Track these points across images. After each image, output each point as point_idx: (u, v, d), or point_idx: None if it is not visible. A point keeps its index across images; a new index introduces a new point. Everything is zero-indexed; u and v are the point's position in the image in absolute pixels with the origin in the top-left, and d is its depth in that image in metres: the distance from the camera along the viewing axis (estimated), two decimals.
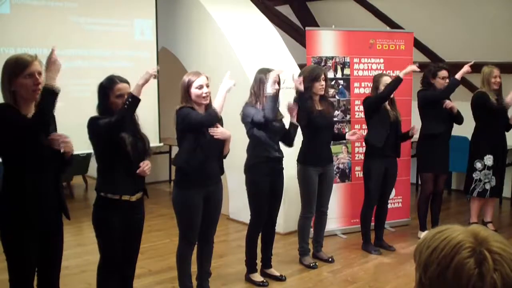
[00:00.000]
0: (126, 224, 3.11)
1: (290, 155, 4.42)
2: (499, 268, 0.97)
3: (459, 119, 5.06)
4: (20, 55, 2.74)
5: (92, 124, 3.02)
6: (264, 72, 3.96)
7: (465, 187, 5.43)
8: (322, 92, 4.32)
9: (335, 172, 5.15)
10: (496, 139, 5.18)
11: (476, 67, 5.24)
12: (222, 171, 3.69)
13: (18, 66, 2.63)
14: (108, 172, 3.08)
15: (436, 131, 4.99)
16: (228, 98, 4.86)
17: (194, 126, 3.39)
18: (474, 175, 5.26)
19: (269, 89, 3.83)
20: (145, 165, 3.08)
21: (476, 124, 5.26)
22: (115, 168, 3.04)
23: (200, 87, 3.41)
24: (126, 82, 3.09)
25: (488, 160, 5.17)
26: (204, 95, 3.43)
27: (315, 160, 4.33)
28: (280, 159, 4.08)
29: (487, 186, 5.22)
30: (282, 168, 4.12)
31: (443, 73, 4.99)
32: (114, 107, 3.02)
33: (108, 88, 3.03)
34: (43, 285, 2.89)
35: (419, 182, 5.81)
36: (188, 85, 3.43)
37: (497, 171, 5.19)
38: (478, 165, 5.22)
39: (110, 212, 3.06)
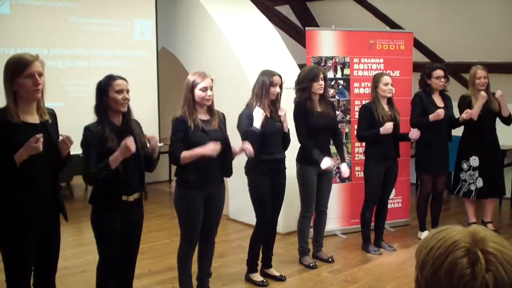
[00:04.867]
0: (125, 225, 3.11)
1: (289, 155, 4.42)
2: (492, 269, 0.97)
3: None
4: (22, 54, 2.73)
5: (82, 145, 3.02)
6: (267, 74, 3.96)
7: (452, 186, 5.45)
8: (321, 91, 4.31)
9: (335, 173, 5.15)
10: (483, 140, 5.13)
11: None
12: (227, 173, 3.67)
13: (19, 66, 2.63)
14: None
15: (426, 139, 4.99)
16: (229, 98, 4.88)
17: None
18: (461, 175, 5.27)
19: (256, 123, 3.85)
20: (154, 140, 3.13)
21: (464, 125, 5.26)
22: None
23: (205, 89, 3.42)
24: (124, 79, 3.09)
25: (473, 161, 5.17)
26: (207, 97, 3.44)
27: (313, 160, 4.33)
28: (281, 159, 4.07)
29: (472, 187, 5.21)
30: (284, 168, 4.12)
31: (438, 72, 4.98)
32: (114, 103, 3.01)
33: (107, 84, 3.02)
34: (39, 285, 2.88)
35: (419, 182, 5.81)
36: (193, 86, 3.44)
37: (484, 173, 5.15)
38: (464, 165, 5.23)
39: (108, 212, 3.06)
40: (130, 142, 2.90)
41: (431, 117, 4.87)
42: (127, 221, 3.11)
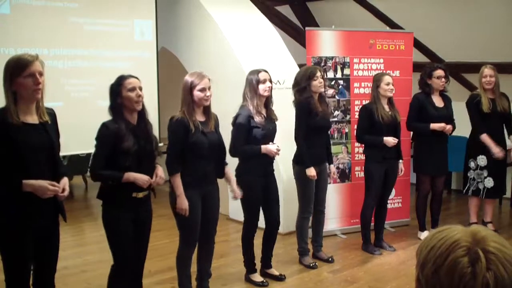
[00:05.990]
0: (136, 221, 3.13)
1: (289, 156, 4.42)
2: (492, 268, 0.97)
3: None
4: (21, 55, 2.73)
5: (96, 140, 3.06)
6: (253, 73, 3.95)
7: (463, 186, 5.47)
8: (322, 89, 4.32)
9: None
10: (493, 139, 5.10)
11: (476, 67, 5.24)
12: (220, 175, 3.68)
13: (19, 66, 2.63)
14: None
15: (425, 140, 5.03)
16: (229, 98, 4.88)
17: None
18: (468, 174, 5.28)
19: (263, 149, 3.89)
20: (158, 178, 3.18)
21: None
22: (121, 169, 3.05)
23: (203, 90, 3.42)
24: (136, 77, 3.12)
25: (481, 160, 5.17)
26: (206, 98, 3.45)
27: (310, 160, 4.31)
28: (270, 162, 4.07)
29: (480, 186, 5.22)
30: (273, 170, 4.12)
31: (438, 72, 4.98)
32: (128, 102, 3.03)
33: (119, 84, 3.05)
34: (38, 285, 2.88)
35: None
36: (192, 87, 3.44)
37: (494, 172, 5.16)
38: (472, 164, 5.24)
39: (119, 209, 3.07)
40: (147, 181, 3.06)
41: (434, 126, 4.90)
42: (136, 219, 3.14)
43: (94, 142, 3.08)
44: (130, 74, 3.11)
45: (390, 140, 4.63)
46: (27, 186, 2.62)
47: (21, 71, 2.62)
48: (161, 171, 3.23)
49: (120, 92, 3.03)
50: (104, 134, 3.02)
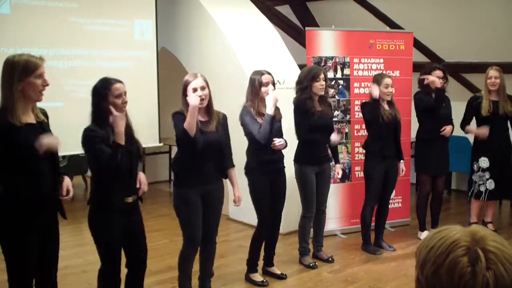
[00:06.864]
0: (127, 226, 3.11)
1: (289, 155, 4.42)
2: (492, 267, 0.97)
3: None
4: (27, 55, 2.75)
5: (87, 142, 2.97)
6: (256, 74, 3.95)
7: (467, 188, 5.47)
8: (323, 92, 4.31)
9: (333, 173, 5.16)
10: (492, 142, 5.12)
11: (476, 67, 5.24)
12: (222, 173, 3.66)
13: (30, 66, 2.65)
14: (101, 180, 3.07)
15: (429, 136, 5.02)
16: (229, 98, 4.88)
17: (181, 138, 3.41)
18: (472, 177, 5.29)
19: (269, 110, 3.83)
20: (143, 185, 3.15)
21: (477, 126, 5.27)
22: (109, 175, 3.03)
23: (194, 90, 3.37)
24: (121, 82, 3.05)
25: (483, 162, 5.17)
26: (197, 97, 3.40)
27: (311, 160, 4.32)
28: (280, 159, 4.07)
29: (482, 188, 5.22)
30: (283, 167, 4.12)
31: (438, 73, 4.98)
32: (113, 107, 2.96)
33: (105, 89, 2.98)
34: (41, 284, 2.88)
35: None
36: (185, 86, 3.43)
37: (496, 174, 5.16)
38: (475, 166, 5.24)
39: (108, 215, 3.04)
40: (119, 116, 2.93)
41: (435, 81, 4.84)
42: (129, 223, 3.12)
43: (83, 148, 2.99)
44: (115, 78, 3.03)
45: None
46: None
47: (33, 71, 2.65)
48: (143, 177, 3.20)
49: (106, 97, 2.95)
50: (94, 135, 2.93)
